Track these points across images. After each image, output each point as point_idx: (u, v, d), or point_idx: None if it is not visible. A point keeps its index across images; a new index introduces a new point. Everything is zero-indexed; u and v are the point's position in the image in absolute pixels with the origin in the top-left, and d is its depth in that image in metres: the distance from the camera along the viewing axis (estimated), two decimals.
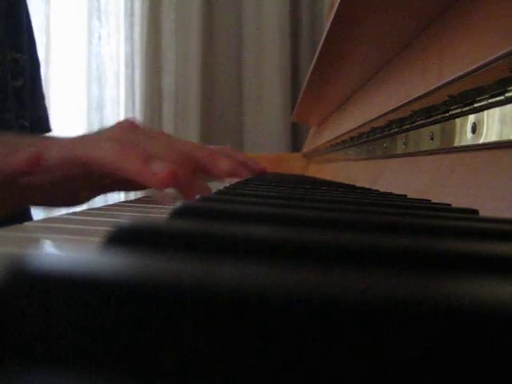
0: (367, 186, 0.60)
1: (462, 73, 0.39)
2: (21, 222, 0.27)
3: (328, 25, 0.67)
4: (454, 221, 0.24)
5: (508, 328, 0.07)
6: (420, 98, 0.49)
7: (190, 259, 0.10)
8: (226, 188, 0.46)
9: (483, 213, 0.32)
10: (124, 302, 0.08)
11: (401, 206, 0.32)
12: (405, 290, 0.08)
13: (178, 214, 0.20)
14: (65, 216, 0.31)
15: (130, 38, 2.09)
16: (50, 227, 0.26)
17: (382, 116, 0.65)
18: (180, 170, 0.42)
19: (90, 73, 2.04)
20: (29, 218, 0.74)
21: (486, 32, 0.37)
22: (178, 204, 0.21)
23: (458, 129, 0.41)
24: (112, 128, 0.48)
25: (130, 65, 2.08)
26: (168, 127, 2.01)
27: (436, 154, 0.47)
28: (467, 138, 0.39)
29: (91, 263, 0.09)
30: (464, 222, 0.23)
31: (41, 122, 0.81)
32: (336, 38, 0.69)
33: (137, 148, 0.43)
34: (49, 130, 0.83)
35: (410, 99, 0.52)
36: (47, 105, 0.86)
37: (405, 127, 0.56)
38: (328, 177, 1.01)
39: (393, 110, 0.59)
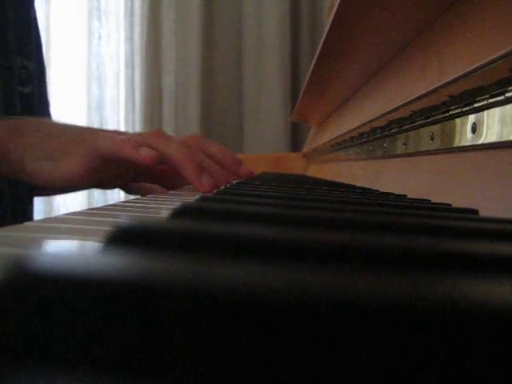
0: (367, 186, 0.60)
1: (461, 73, 0.39)
2: (21, 222, 0.27)
3: (328, 25, 0.67)
4: (453, 221, 0.24)
5: (508, 328, 0.07)
6: (420, 97, 0.49)
7: (189, 259, 0.10)
8: (226, 188, 0.46)
9: (483, 213, 0.32)
10: (124, 301, 0.08)
11: (401, 206, 0.32)
12: (405, 290, 0.08)
13: (178, 214, 0.20)
14: (65, 216, 0.31)
15: (129, 38, 2.09)
16: (50, 227, 0.26)
17: (381, 116, 0.65)
18: (218, 183, 0.54)
19: (90, 73, 2.04)
20: (29, 217, 0.74)
21: (485, 32, 0.37)
22: (178, 204, 0.21)
23: (457, 129, 0.41)
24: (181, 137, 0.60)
25: (130, 65, 2.08)
26: (168, 127, 2.01)
27: (436, 154, 0.47)
28: (467, 137, 0.39)
29: (91, 263, 0.09)
30: (464, 222, 0.23)
31: None
32: (336, 37, 0.69)
33: (195, 158, 0.54)
34: None
35: (410, 99, 0.52)
36: (51, 110, 0.86)
37: (405, 127, 0.56)
38: (328, 177, 1.01)
39: (393, 110, 0.59)
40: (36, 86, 0.76)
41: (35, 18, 0.79)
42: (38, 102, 0.77)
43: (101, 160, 0.52)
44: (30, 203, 0.75)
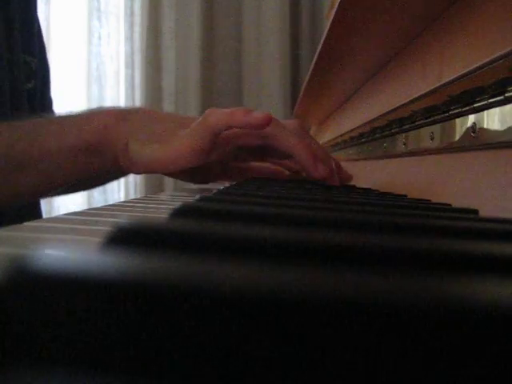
0: (367, 186, 0.60)
1: (461, 73, 0.39)
2: (29, 219, 0.27)
3: (328, 24, 0.67)
4: (454, 221, 0.24)
5: (508, 328, 0.07)
6: (420, 97, 0.49)
7: (189, 259, 0.10)
8: (226, 188, 0.46)
9: (483, 213, 0.32)
10: (124, 301, 0.08)
11: (401, 205, 0.32)
12: (405, 290, 0.08)
13: (177, 214, 0.20)
14: (65, 216, 0.31)
15: (129, 38, 2.09)
16: (49, 227, 0.26)
17: (381, 116, 0.65)
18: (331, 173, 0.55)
19: (89, 73, 2.04)
20: (38, 214, 0.76)
21: (486, 32, 0.37)
22: (178, 204, 0.21)
23: (458, 129, 0.41)
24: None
25: (130, 65, 2.08)
26: None
27: (436, 154, 0.47)
28: (467, 138, 0.39)
29: (91, 263, 0.09)
30: (464, 222, 0.23)
31: None
32: (336, 37, 0.69)
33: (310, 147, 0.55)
34: None
35: (409, 99, 0.52)
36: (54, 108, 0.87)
37: (405, 127, 0.56)
38: None
39: (393, 110, 0.59)
40: (39, 82, 0.77)
41: (38, 19, 0.80)
42: (40, 97, 0.78)
43: (212, 136, 0.52)
44: (38, 202, 0.77)
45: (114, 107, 0.62)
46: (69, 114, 0.58)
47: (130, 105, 2.08)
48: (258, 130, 0.53)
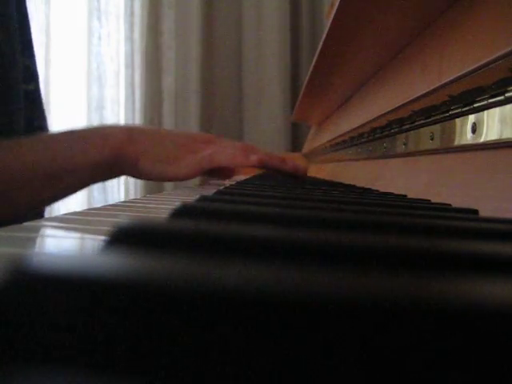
0: (367, 186, 0.60)
1: (461, 73, 0.39)
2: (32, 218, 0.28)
3: (328, 24, 0.67)
4: (454, 221, 0.24)
5: (508, 328, 0.07)
6: (420, 97, 0.49)
7: (189, 259, 0.10)
8: (226, 188, 0.46)
9: (483, 213, 0.32)
10: (124, 301, 0.08)
11: (401, 205, 0.32)
12: (405, 290, 0.08)
13: (177, 214, 0.20)
14: (65, 216, 0.31)
15: (129, 38, 2.09)
16: (50, 227, 0.26)
17: (381, 116, 0.65)
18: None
19: (90, 73, 2.04)
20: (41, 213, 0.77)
21: (486, 32, 0.37)
22: (178, 204, 0.21)
23: (458, 129, 0.41)
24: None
25: (130, 65, 2.08)
26: (168, 127, 2.01)
27: (436, 154, 0.47)
28: (467, 137, 0.39)
29: (91, 263, 0.09)
30: (464, 222, 0.23)
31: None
32: (336, 37, 0.69)
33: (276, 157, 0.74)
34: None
35: (410, 99, 0.52)
36: (45, 108, 0.88)
37: (405, 127, 0.56)
38: (328, 177, 1.01)
39: (393, 110, 0.59)
40: (38, 83, 0.80)
41: (28, 17, 0.80)
42: (40, 99, 0.81)
43: (211, 168, 0.67)
44: None
45: (121, 126, 0.74)
46: (83, 129, 0.66)
47: (129, 105, 2.08)
48: (250, 167, 0.69)
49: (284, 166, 0.74)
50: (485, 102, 0.36)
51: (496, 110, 0.35)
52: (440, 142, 0.45)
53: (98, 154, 0.62)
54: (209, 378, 0.07)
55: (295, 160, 0.80)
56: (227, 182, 0.76)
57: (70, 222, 0.28)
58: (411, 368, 0.07)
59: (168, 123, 2.03)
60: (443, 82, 0.43)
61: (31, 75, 0.76)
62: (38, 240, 0.23)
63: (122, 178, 2.06)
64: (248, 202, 0.27)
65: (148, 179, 0.69)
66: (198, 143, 0.70)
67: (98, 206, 0.38)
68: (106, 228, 0.25)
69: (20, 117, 0.68)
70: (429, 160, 0.49)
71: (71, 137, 0.64)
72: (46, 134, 0.65)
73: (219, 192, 0.38)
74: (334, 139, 1.03)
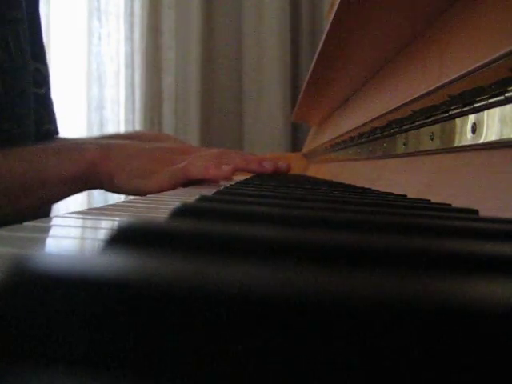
0: (367, 186, 0.60)
1: (461, 73, 0.39)
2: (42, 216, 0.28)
3: (328, 25, 0.67)
4: (453, 221, 0.24)
5: (508, 328, 0.07)
6: (420, 97, 0.49)
7: (189, 259, 0.10)
8: (226, 188, 0.46)
9: (483, 213, 0.32)
10: (124, 301, 0.08)
11: (401, 205, 0.32)
12: (404, 290, 0.08)
13: (177, 214, 0.20)
14: (65, 216, 0.31)
15: (129, 38, 2.08)
16: (50, 227, 0.26)
17: (381, 116, 0.65)
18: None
19: (89, 73, 2.04)
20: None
21: (486, 32, 0.37)
22: (178, 204, 0.21)
23: (458, 129, 0.41)
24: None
25: (130, 65, 2.08)
26: (168, 127, 2.01)
27: (436, 154, 0.47)
28: (467, 138, 0.39)
29: (91, 263, 0.09)
30: (464, 222, 0.23)
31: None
32: (336, 37, 0.69)
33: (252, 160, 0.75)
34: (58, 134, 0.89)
35: (409, 99, 0.52)
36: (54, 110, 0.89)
37: (405, 127, 0.56)
38: (328, 177, 1.01)
39: (393, 110, 0.59)
40: (49, 88, 0.82)
41: (40, 22, 0.81)
42: (50, 103, 0.83)
43: (185, 181, 0.68)
44: None
45: (98, 142, 0.75)
46: (59, 144, 0.70)
47: (129, 105, 2.08)
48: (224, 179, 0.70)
49: (262, 169, 0.75)
50: (485, 102, 0.36)
51: (496, 110, 0.35)
52: (440, 142, 0.45)
53: (71, 168, 0.65)
54: (209, 378, 0.07)
55: (287, 160, 0.80)
56: (227, 182, 0.75)
57: (70, 222, 0.28)
58: (411, 368, 0.07)
59: (168, 123, 2.03)
60: (443, 82, 0.43)
61: (42, 79, 0.77)
62: (38, 240, 0.23)
63: None
64: (248, 202, 0.27)
65: (125, 194, 0.71)
66: (175, 155, 0.72)
67: (98, 206, 0.38)
68: (105, 228, 0.25)
69: (30, 120, 0.69)
70: (429, 160, 0.49)
71: (46, 151, 0.67)
72: (23, 148, 0.67)
73: (219, 192, 0.38)
74: (334, 139, 1.03)
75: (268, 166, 0.75)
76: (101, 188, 0.70)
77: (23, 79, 0.69)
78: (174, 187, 0.68)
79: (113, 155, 0.68)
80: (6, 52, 0.65)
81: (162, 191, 0.67)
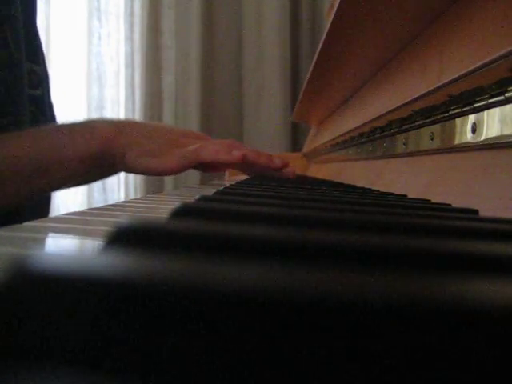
0: (367, 186, 0.60)
1: (461, 73, 0.39)
2: (41, 216, 0.28)
3: (328, 25, 0.67)
4: (453, 221, 0.24)
5: (508, 328, 0.07)
6: (420, 97, 0.49)
7: (189, 259, 0.10)
8: (226, 188, 0.46)
9: (483, 213, 0.32)
10: (124, 301, 0.08)
11: (401, 206, 0.32)
12: (404, 290, 0.08)
13: (177, 214, 0.20)
14: (65, 216, 0.31)
15: (129, 38, 2.09)
16: (49, 227, 0.26)
17: (381, 116, 0.65)
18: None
19: (90, 73, 2.04)
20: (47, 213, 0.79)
21: (486, 32, 0.37)
22: (178, 204, 0.21)
23: (457, 129, 0.41)
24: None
25: (130, 65, 2.08)
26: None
27: (436, 154, 0.47)
28: (467, 137, 0.39)
29: (91, 263, 0.09)
30: (464, 222, 0.23)
31: None
32: (336, 37, 0.69)
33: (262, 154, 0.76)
34: None
35: (409, 99, 0.52)
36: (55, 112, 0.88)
37: (405, 127, 0.56)
38: (328, 177, 1.01)
39: (393, 110, 0.59)
40: (45, 89, 0.80)
41: (36, 23, 0.81)
42: (47, 103, 0.82)
43: (196, 163, 0.68)
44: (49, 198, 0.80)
45: (111, 119, 0.75)
46: (72, 123, 0.67)
47: (129, 105, 2.08)
48: (233, 163, 0.71)
49: (271, 163, 0.75)
50: (485, 102, 0.36)
51: (496, 110, 0.35)
52: (440, 142, 0.45)
53: (86, 147, 0.63)
54: (209, 378, 0.07)
55: (287, 159, 0.81)
56: (227, 182, 0.76)
57: (70, 222, 0.28)
58: (412, 368, 0.07)
59: (168, 123, 2.03)
60: (443, 82, 0.43)
61: (38, 80, 0.77)
62: (38, 240, 0.23)
63: (122, 178, 2.06)
64: (248, 202, 0.27)
65: (133, 172, 0.70)
66: (189, 139, 0.72)
67: (98, 206, 0.38)
68: (105, 228, 0.25)
69: (25, 121, 0.69)
70: (429, 160, 0.49)
71: (59, 130, 0.66)
72: (35, 128, 0.65)
73: (219, 192, 0.38)
74: (334, 139, 1.03)
75: (277, 162, 0.75)
76: (116, 167, 0.69)
77: (22, 78, 0.69)
78: (184, 169, 0.68)
79: (125, 132, 0.67)
80: (5, 50, 0.65)
81: (172, 172, 0.68)
